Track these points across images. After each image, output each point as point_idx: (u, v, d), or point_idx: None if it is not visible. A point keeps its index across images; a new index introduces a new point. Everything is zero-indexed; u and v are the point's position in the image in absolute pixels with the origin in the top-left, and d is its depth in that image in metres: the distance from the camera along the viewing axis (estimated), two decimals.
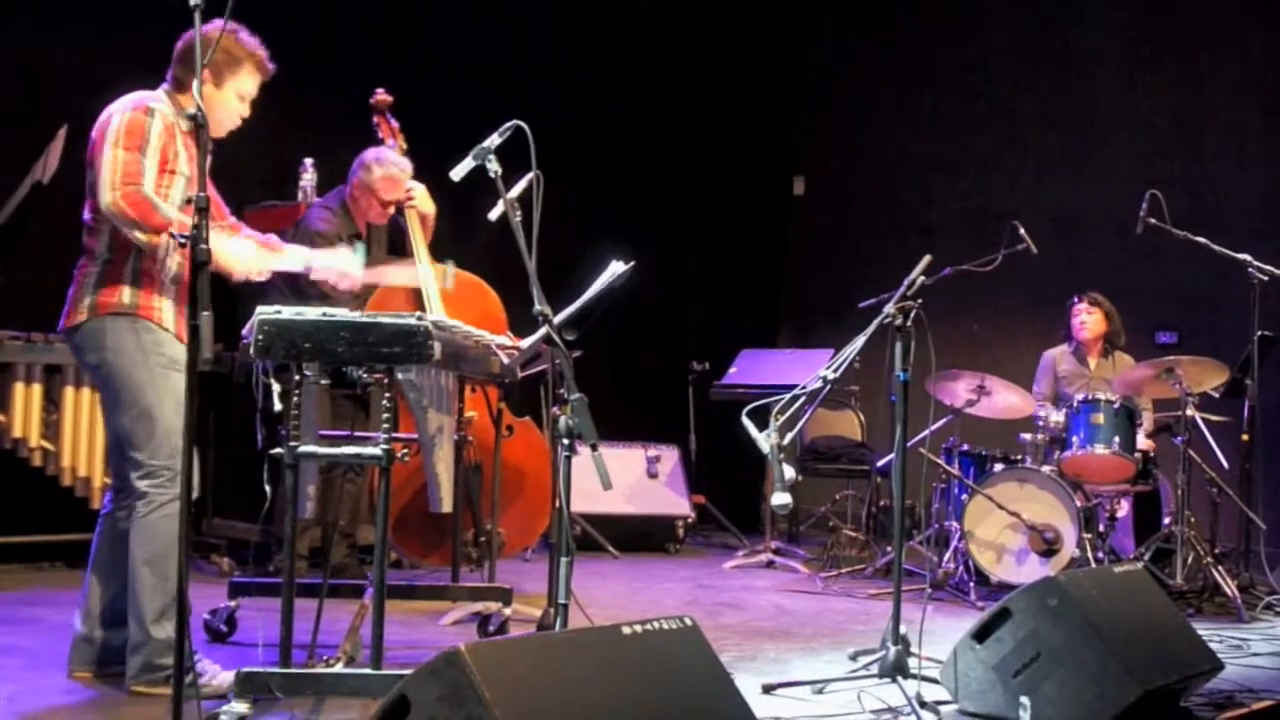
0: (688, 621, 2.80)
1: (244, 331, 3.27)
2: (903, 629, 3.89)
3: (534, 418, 5.23)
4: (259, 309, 3.22)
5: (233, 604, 4.27)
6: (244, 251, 3.68)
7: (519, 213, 3.53)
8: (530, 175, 3.54)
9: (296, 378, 3.30)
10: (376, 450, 3.29)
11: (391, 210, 5.14)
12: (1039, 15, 8.85)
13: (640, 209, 8.30)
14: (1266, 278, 5.94)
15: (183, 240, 2.85)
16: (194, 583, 3.04)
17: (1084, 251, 8.18)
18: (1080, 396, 6.10)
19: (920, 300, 4.05)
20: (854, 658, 4.32)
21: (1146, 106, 8.42)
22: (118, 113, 3.55)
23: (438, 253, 5.05)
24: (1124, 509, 6.26)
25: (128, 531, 3.55)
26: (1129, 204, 6.33)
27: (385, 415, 3.31)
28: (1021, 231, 5.84)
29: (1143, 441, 6.20)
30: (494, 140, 3.59)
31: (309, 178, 6.06)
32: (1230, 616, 5.47)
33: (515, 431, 5.15)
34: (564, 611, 3.25)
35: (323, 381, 3.33)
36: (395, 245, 5.30)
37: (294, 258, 3.83)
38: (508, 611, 4.51)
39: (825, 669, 4.21)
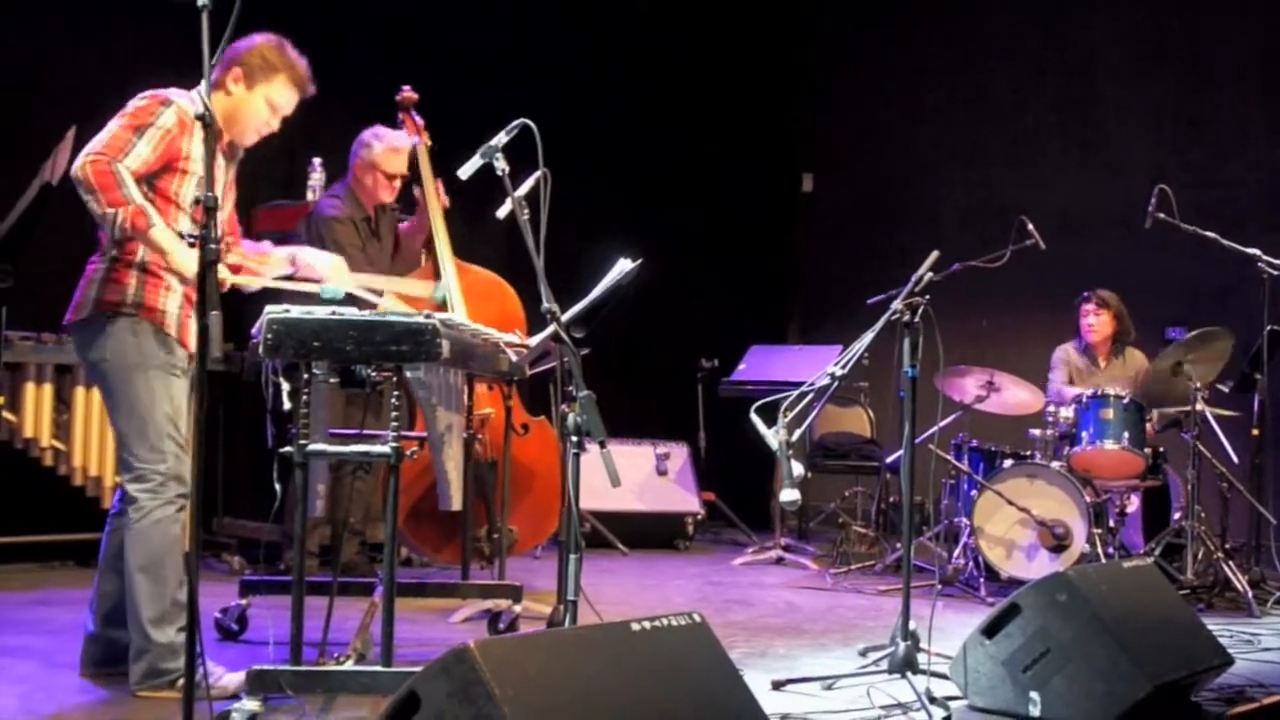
0: (697, 618, 2.79)
1: (253, 330, 3.28)
2: (912, 625, 3.88)
3: (547, 416, 5.24)
4: (268, 308, 3.23)
5: (243, 602, 4.29)
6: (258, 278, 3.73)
7: (527, 211, 3.53)
8: (538, 173, 3.54)
9: (306, 376, 3.31)
10: (385, 448, 3.30)
11: (398, 185, 5.15)
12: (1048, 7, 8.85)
13: (646, 207, 8.31)
14: (1276, 272, 5.92)
15: (192, 240, 2.84)
16: (204, 581, 3.03)
17: (1092, 247, 8.16)
18: (1090, 392, 6.09)
19: (928, 296, 4.04)
20: (864, 654, 4.31)
21: (1154, 100, 8.40)
22: (136, 96, 3.54)
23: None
24: (1134, 504, 6.25)
25: None
26: (1137, 199, 6.31)
27: (394, 413, 3.32)
28: (1030, 227, 5.82)
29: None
30: (501, 139, 3.59)
31: (318, 177, 6.09)
32: (1241, 611, 5.46)
33: (530, 430, 5.16)
34: (573, 608, 3.26)
35: (332, 380, 3.33)
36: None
37: (277, 262, 3.83)
38: (518, 609, 4.52)
39: (835, 665, 4.20)
